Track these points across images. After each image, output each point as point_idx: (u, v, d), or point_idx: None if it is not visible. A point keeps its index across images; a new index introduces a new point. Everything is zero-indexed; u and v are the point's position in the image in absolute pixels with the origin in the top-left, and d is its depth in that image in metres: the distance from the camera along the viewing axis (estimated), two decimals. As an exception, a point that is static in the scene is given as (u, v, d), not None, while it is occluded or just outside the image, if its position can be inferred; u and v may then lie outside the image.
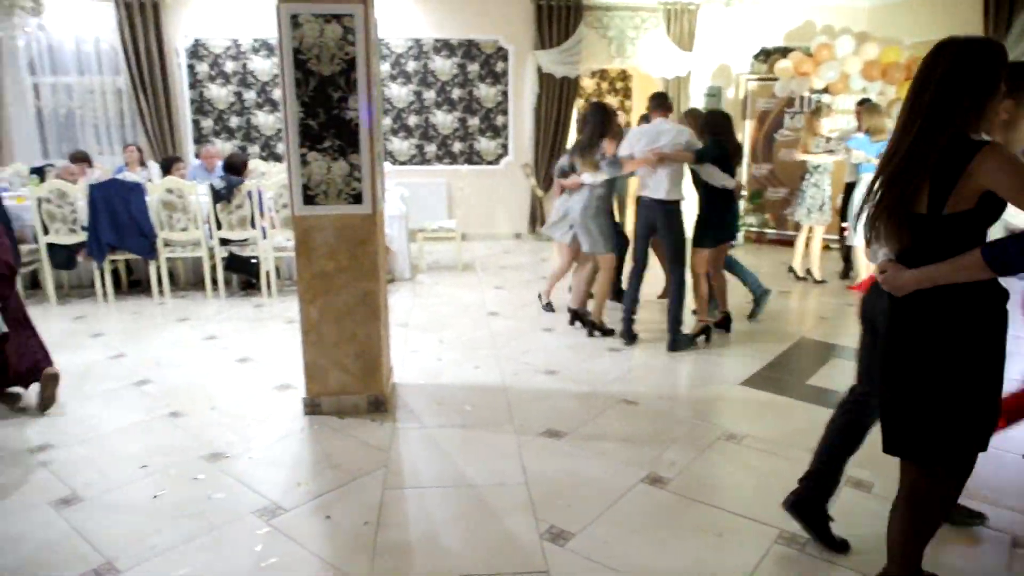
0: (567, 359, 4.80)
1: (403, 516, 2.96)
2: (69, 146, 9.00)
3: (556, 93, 9.00)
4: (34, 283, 6.72)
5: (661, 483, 3.19)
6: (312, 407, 3.91)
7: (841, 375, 4.49)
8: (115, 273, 6.68)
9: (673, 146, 4.78)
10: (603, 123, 5.02)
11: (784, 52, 8.80)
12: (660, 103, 5.14)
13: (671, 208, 4.87)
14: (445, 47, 8.89)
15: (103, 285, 6.37)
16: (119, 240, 6.13)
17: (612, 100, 12.63)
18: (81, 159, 7.37)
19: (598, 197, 5.06)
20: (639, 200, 5.02)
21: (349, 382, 3.89)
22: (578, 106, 9.78)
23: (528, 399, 4.12)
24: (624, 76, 12.49)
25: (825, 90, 8.34)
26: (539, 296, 6.04)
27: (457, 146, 9.12)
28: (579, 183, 5.06)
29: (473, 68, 9.01)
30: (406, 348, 4.97)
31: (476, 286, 6.74)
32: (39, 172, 7.11)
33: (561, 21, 8.84)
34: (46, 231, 6.07)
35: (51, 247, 6.15)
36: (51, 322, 5.58)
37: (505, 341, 5.15)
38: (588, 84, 12.42)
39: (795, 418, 3.87)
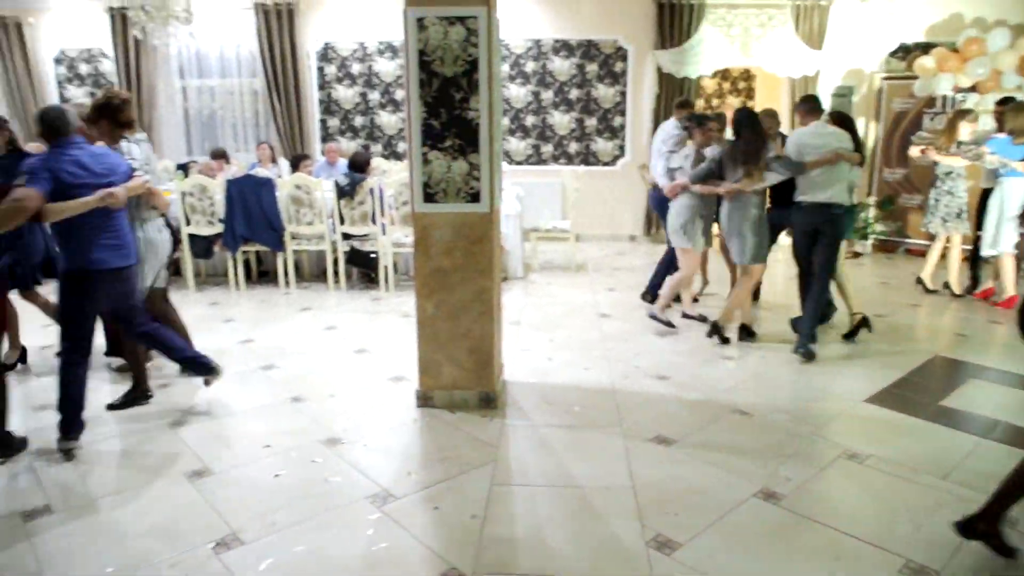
0: (679, 365, 4.69)
1: (509, 512, 2.99)
2: (210, 144, 9.66)
3: (675, 93, 8.81)
4: (175, 270, 7.24)
5: (775, 499, 3.06)
6: (424, 400, 4.01)
7: (981, 397, 4.16)
8: (246, 263, 7.11)
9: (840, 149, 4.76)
10: (762, 128, 4.87)
11: (925, 48, 8.24)
12: (813, 107, 4.98)
13: (841, 211, 4.78)
14: (564, 47, 8.91)
15: (235, 274, 6.80)
16: (251, 232, 6.51)
17: (734, 101, 12.24)
18: (220, 156, 7.89)
19: (757, 204, 4.90)
20: (798, 205, 4.86)
21: (461, 377, 3.96)
22: (699, 107, 9.55)
23: (638, 403, 4.06)
24: (747, 76, 12.08)
25: (972, 88, 7.74)
26: (648, 300, 5.94)
27: (573, 147, 9.12)
28: (736, 189, 4.83)
29: (592, 68, 8.97)
30: (517, 346, 5.01)
31: (588, 287, 6.71)
32: (184, 168, 7.67)
33: (683, 19, 8.65)
34: (188, 222, 6.54)
35: (192, 237, 6.62)
36: (189, 307, 5.99)
37: (616, 343, 5.10)
38: (709, 84, 12.09)
39: (926, 441, 3.62)
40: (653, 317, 5.34)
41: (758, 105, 11.64)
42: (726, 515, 2.93)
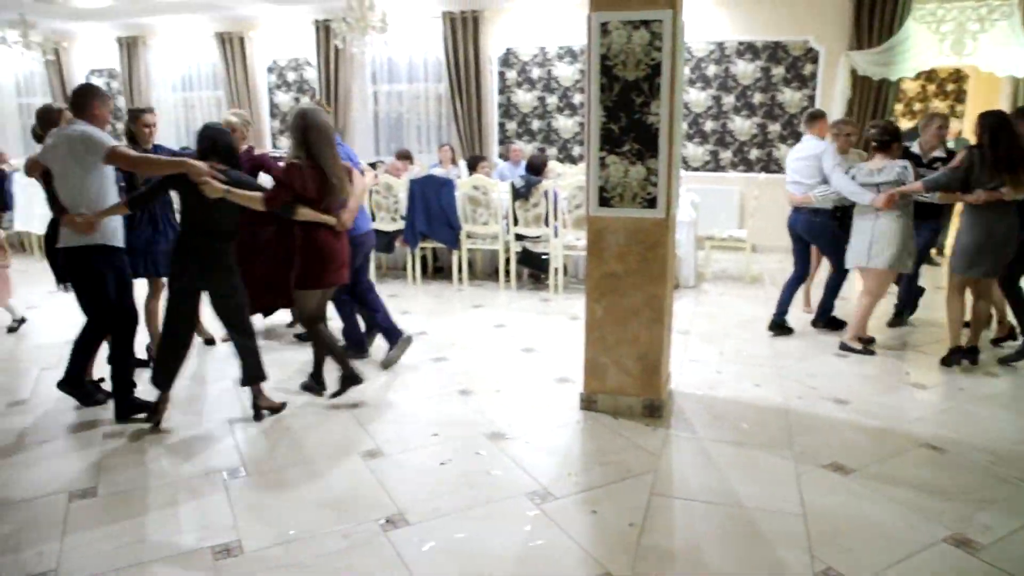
0: (860, 389, 4.36)
1: (668, 523, 2.93)
2: (396, 145, 10.27)
3: (870, 97, 8.20)
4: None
5: (970, 547, 2.76)
6: (588, 403, 4.02)
7: None
8: (423, 259, 7.48)
9: None
10: (1016, 131, 4.44)
11: None
12: None
13: None
14: (749, 50, 8.56)
15: (413, 269, 7.17)
16: (430, 230, 6.84)
17: (940, 104, 11.20)
18: (404, 157, 8.36)
19: (1008, 215, 4.48)
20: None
21: (627, 383, 3.93)
22: (897, 111, 8.82)
23: (812, 426, 3.83)
24: (957, 76, 11.01)
25: None
26: (820, 326, 5.55)
27: (754, 153, 8.75)
28: (996, 198, 4.35)
29: (778, 71, 8.55)
30: (685, 356, 4.89)
31: (763, 300, 6.41)
32: (372, 167, 8.21)
33: (883, 17, 8.01)
34: (373, 218, 6.99)
35: (376, 233, 7.06)
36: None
37: (791, 361, 4.84)
38: (911, 86, 11.15)
39: None
40: (846, 348, 4.99)
41: (969, 110, 10.58)
42: (908, 558, 2.69)
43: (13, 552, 2.78)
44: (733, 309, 6.12)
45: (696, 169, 8.92)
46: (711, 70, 8.70)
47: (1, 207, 8.85)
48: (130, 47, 11.50)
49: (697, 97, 8.79)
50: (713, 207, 8.53)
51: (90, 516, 3.03)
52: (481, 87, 9.71)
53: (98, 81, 12.23)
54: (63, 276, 4.28)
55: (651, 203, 3.67)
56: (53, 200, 3.87)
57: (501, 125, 9.89)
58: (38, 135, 4.48)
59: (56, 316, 6.11)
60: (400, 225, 6.99)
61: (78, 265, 3.85)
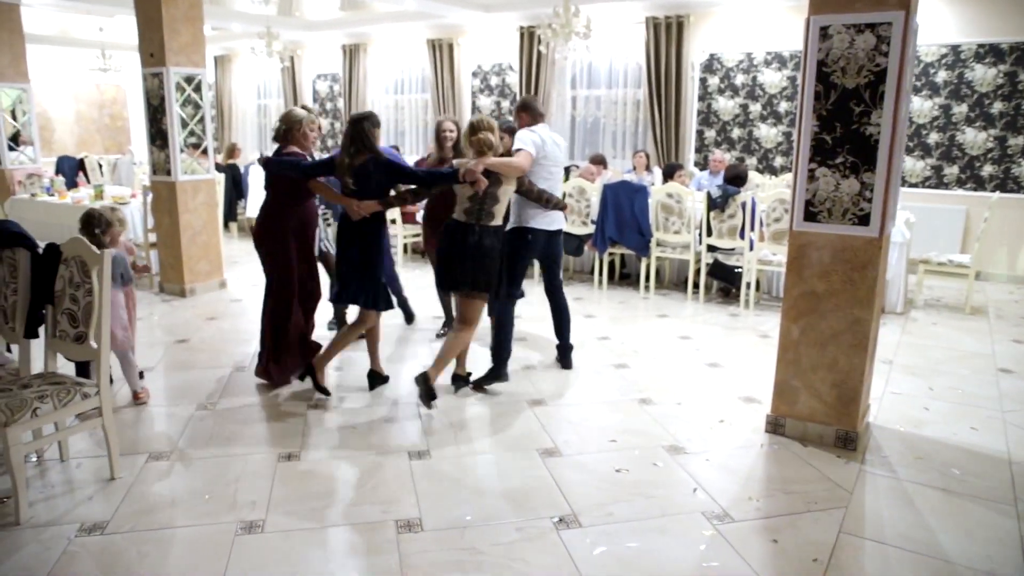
0: (1108, 446, 3.77)
1: (858, 567, 2.71)
2: (591, 149, 10.34)
3: None
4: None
5: None
6: (775, 426, 3.82)
7: None
8: (611, 264, 7.47)
9: None
10: None
11: None
12: None
13: None
14: (991, 52, 7.65)
15: (600, 273, 7.19)
16: (620, 236, 6.82)
17: None
18: (598, 161, 8.39)
19: None
20: None
21: (820, 410, 3.69)
22: None
23: (1042, 482, 3.37)
24: None
25: None
26: None
27: (987, 169, 7.82)
28: None
29: (1024, 78, 7.57)
30: (887, 388, 4.50)
31: (985, 334, 5.73)
32: (565, 171, 8.32)
33: None
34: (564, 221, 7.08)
35: (566, 235, 7.15)
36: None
37: (1018, 406, 4.28)
38: None
39: None
40: None
41: None
42: None
43: (232, 498, 3.14)
44: (948, 341, 5.53)
45: (914, 185, 8.15)
46: (941, 76, 7.89)
47: (237, 195, 10.03)
48: (352, 54, 12.53)
49: (921, 107, 8.02)
50: (930, 228, 7.76)
51: (293, 477, 3.35)
52: (681, 93, 9.52)
53: (322, 85, 13.48)
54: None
55: (863, 220, 3.41)
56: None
57: (699, 133, 9.64)
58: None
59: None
60: (590, 229, 7.03)
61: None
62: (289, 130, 4.33)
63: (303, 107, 4.55)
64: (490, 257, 4.07)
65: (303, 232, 4.46)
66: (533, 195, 4.30)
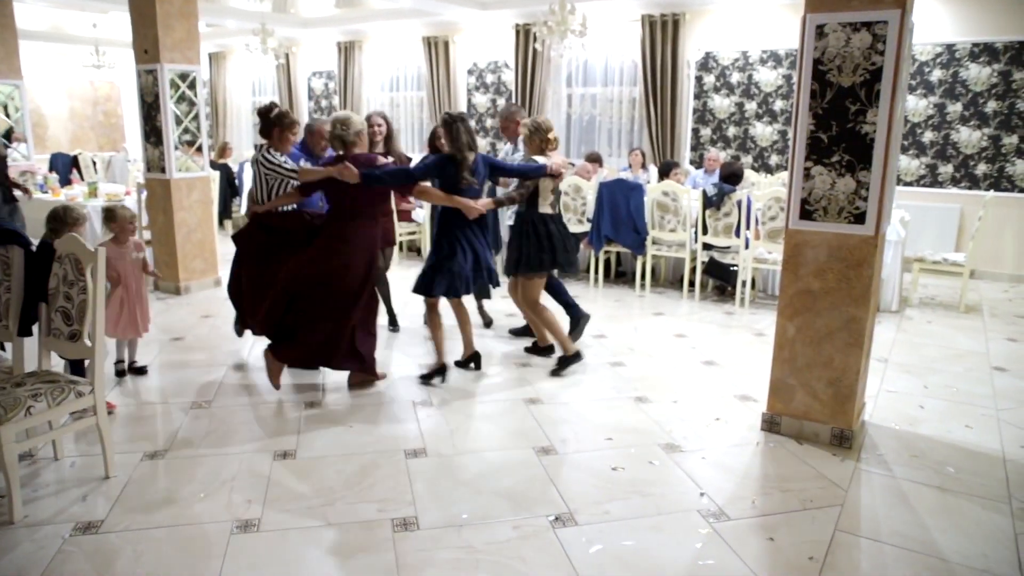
0: (1101, 444, 3.79)
1: (853, 565, 2.71)
2: (586, 147, 10.33)
3: None
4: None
5: None
6: (770, 424, 3.82)
7: None
8: (607, 263, 7.46)
9: None
10: None
11: None
12: None
13: None
14: (985, 52, 7.67)
15: (595, 272, 7.19)
16: (615, 234, 6.82)
17: None
18: (594, 159, 8.38)
19: None
20: None
21: (815, 408, 3.69)
22: None
23: (1036, 480, 3.38)
24: None
25: None
26: None
27: (982, 168, 7.84)
28: None
29: (1020, 76, 7.58)
30: (882, 386, 4.51)
31: (980, 332, 5.75)
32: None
33: None
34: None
35: (562, 233, 7.15)
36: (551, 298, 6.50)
37: (1013, 404, 4.30)
38: None
39: None
40: None
41: None
42: None
43: (227, 496, 3.13)
44: (942, 340, 5.55)
45: (908, 184, 8.17)
46: (935, 75, 7.91)
47: (232, 193, 10.00)
48: (347, 51, 12.50)
49: (916, 105, 8.04)
50: (925, 226, 7.78)
51: (289, 475, 3.34)
52: (676, 91, 9.51)
53: (317, 82, 13.44)
54: None
55: (859, 218, 3.41)
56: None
57: (695, 131, 9.65)
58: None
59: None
60: (586, 227, 7.03)
61: None
62: (356, 138, 4.23)
63: (316, 113, 4.65)
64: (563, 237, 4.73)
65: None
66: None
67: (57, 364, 3.79)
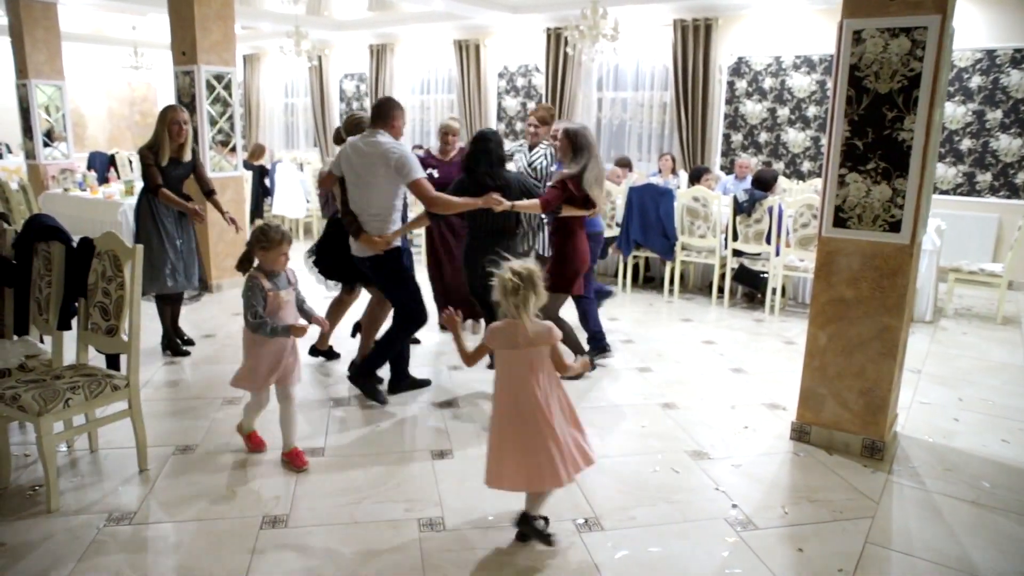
0: None
1: (885, 579, 2.68)
2: (616, 152, 10.31)
3: None
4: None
5: None
6: (800, 433, 3.78)
7: None
8: (635, 267, 7.43)
9: None
10: None
11: None
12: None
13: None
14: (1025, 60, 7.51)
15: (624, 276, 7.16)
16: (644, 239, 6.79)
17: None
18: (624, 164, 8.36)
19: None
20: None
21: (846, 418, 3.64)
22: None
23: (1075, 497, 3.30)
24: None
25: None
26: None
27: (1022, 177, 7.68)
28: None
29: (1060, 85, 7.42)
30: (915, 397, 4.43)
31: (1017, 345, 5.63)
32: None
33: None
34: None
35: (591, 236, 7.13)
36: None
37: (1050, 418, 4.21)
38: None
39: None
40: None
41: None
42: None
43: (256, 492, 3.18)
44: (978, 351, 5.44)
45: (945, 192, 8.03)
46: (975, 81, 7.76)
47: (263, 193, 10.13)
48: (379, 53, 12.61)
49: (953, 112, 7.90)
50: (962, 236, 7.63)
51: (318, 474, 3.38)
52: (708, 96, 9.46)
53: (349, 84, 13.57)
54: (329, 274, 4.80)
55: (894, 227, 3.36)
56: (345, 205, 4.06)
57: (726, 136, 9.58)
58: (341, 140, 4.59)
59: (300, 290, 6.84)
60: (615, 232, 7.01)
61: (388, 268, 4.09)
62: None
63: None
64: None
65: None
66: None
67: (94, 358, 3.87)
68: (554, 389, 2.73)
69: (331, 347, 4.97)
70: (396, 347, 4.27)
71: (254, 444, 3.59)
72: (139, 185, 8.54)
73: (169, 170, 4.77)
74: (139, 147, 4.83)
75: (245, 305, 3.28)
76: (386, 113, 3.97)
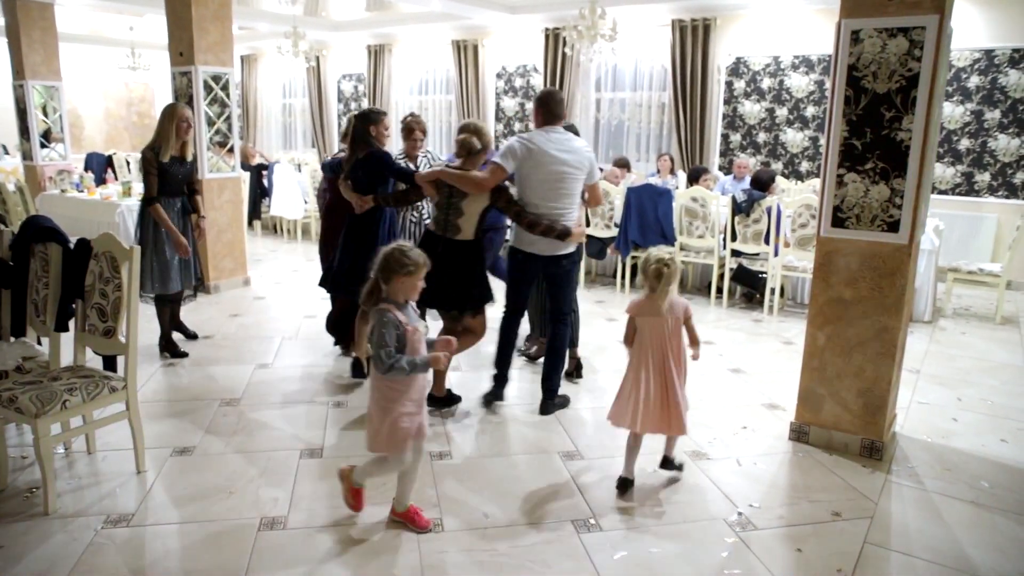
0: None
1: (884, 579, 2.67)
2: (615, 152, 10.31)
3: None
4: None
5: None
6: (799, 433, 3.78)
7: None
8: (633, 268, 7.42)
9: None
10: None
11: None
12: None
13: None
14: (1024, 60, 7.52)
15: (622, 277, 7.16)
16: (643, 239, 6.78)
17: None
18: (622, 164, 8.36)
19: None
20: None
21: (845, 419, 3.64)
22: None
23: (1074, 497, 3.30)
24: None
25: None
26: None
27: (1020, 176, 7.68)
28: None
29: (1058, 85, 7.42)
30: (914, 397, 4.43)
31: (1016, 345, 5.63)
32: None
33: None
34: (588, 223, 7.05)
35: (588, 238, 7.13)
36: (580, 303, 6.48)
37: (1048, 418, 4.21)
38: None
39: None
40: None
41: None
42: None
43: (254, 493, 3.17)
44: (977, 351, 5.44)
45: (943, 192, 8.03)
46: (973, 82, 7.77)
47: (261, 194, 10.12)
48: (377, 54, 12.60)
49: (952, 112, 7.90)
50: (960, 235, 7.64)
51: (316, 474, 3.37)
52: (706, 97, 9.46)
53: (347, 85, 13.56)
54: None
55: (892, 227, 3.36)
56: (520, 206, 3.90)
57: (724, 137, 9.58)
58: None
59: (296, 292, 6.84)
60: (613, 232, 7.01)
61: (576, 263, 4.12)
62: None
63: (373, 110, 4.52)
64: (460, 274, 3.86)
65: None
66: (510, 215, 3.92)
67: (91, 360, 3.86)
68: (680, 354, 3.25)
69: (450, 390, 4.25)
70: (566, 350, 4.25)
71: (359, 503, 3.04)
72: (138, 187, 8.54)
73: (173, 168, 4.77)
74: (142, 148, 4.82)
75: (377, 345, 2.69)
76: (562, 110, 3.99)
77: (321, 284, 4.87)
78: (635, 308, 3.23)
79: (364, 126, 4.26)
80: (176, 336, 5.16)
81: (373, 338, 2.72)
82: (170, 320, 5.07)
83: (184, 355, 4.99)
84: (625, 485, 3.26)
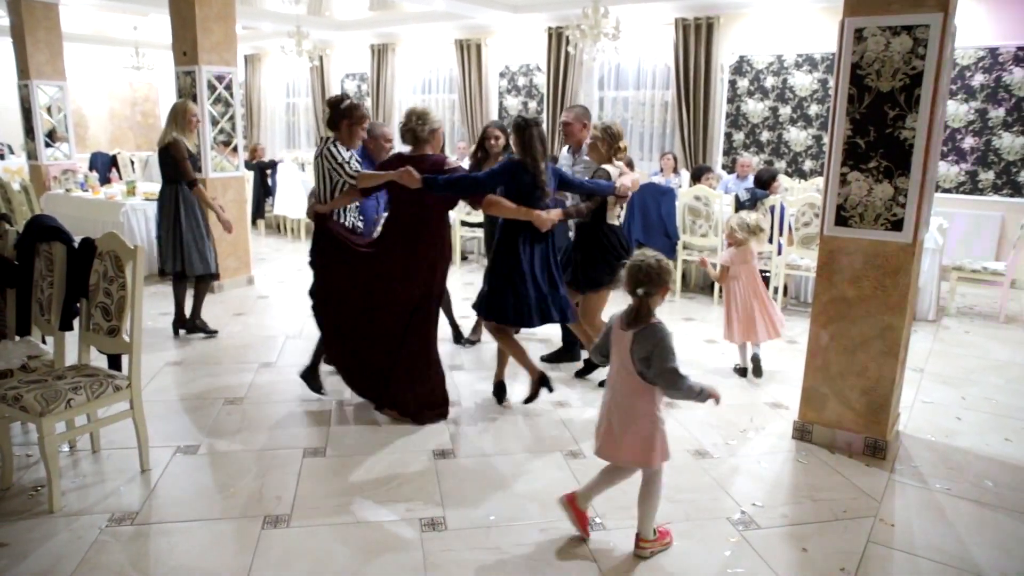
0: None
1: (887, 577, 2.67)
2: (618, 151, 10.28)
3: None
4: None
5: None
6: (802, 432, 3.77)
7: None
8: (637, 267, 7.41)
9: None
10: None
11: None
12: None
13: None
14: (1028, 58, 7.50)
15: (626, 276, 7.14)
16: (646, 238, 6.77)
17: None
18: (627, 165, 8.33)
19: None
20: None
21: (848, 418, 3.64)
22: None
23: (1078, 496, 3.29)
24: None
25: None
26: None
27: None
28: None
29: (1063, 83, 7.40)
30: (917, 396, 4.42)
31: (1020, 344, 5.62)
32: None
33: None
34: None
35: (592, 237, 7.12)
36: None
37: (1053, 417, 4.20)
38: None
39: None
40: None
41: None
42: None
43: (258, 492, 3.17)
44: (981, 350, 5.43)
45: (947, 191, 8.01)
46: (977, 80, 7.75)
47: (265, 193, 10.14)
48: (380, 53, 12.61)
49: (956, 110, 7.88)
50: (964, 234, 7.63)
51: (319, 473, 3.38)
52: (710, 95, 9.45)
53: (350, 84, 13.58)
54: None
55: (896, 225, 3.35)
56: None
57: (728, 135, 9.57)
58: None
59: (300, 291, 6.84)
60: (615, 231, 7.00)
61: None
62: (429, 136, 4.06)
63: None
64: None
65: None
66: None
67: (96, 358, 3.87)
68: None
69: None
70: None
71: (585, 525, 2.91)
72: (141, 186, 8.56)
73: (191, 159, 5.29)
74: (164, 142, 5.24)
75: (668, 359, 2.66)
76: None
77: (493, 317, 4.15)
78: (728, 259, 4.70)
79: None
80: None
81: (656, 354, 2.68)
82: (195, 303, 5.44)
83: (214, 332, 5.44)
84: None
